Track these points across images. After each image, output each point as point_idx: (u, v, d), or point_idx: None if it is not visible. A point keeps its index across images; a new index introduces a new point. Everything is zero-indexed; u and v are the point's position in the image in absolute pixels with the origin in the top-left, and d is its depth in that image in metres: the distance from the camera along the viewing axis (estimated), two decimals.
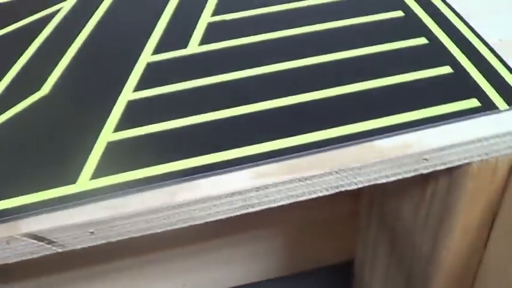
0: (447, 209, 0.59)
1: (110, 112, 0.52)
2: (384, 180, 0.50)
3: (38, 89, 0.55)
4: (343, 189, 0.49)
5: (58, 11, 0.65)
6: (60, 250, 0.45)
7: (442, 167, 0.51)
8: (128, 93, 0.54)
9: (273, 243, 0.94)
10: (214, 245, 0.91)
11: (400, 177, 0.50)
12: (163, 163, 0.47)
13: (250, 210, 0.47)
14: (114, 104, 0.53)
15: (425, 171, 0.51)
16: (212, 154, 0.48)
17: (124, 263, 0.90)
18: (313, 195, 0.48)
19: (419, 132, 0.50)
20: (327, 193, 0.49)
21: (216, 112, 0.52)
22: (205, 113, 0.51)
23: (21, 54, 0.60)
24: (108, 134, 0.50)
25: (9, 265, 0.46)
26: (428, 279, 0.66)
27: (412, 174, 0.51)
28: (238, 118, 0.51)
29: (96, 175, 0.46)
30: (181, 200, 0.45)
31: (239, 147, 0.48)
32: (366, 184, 0.49)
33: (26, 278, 0.88)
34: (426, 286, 0.67)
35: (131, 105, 0.53)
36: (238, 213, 0.47)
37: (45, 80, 0.56)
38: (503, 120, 0.51)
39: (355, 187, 0.49)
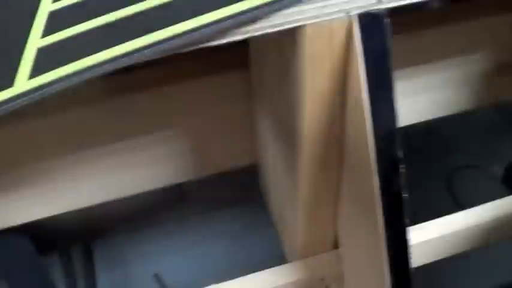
0: (295, 76, 0.65)
1: (33, 23, 0.58)
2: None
3: None
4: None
5: None
6: None
7: (272, 30, 0.58)
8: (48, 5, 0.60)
9: (172, 146, 0.99)
10: (113, 150, 0.95)
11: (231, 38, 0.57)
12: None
13: None
14: (36, 16, 0.59)
15: (257, 34, 0.58)
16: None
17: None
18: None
19: None
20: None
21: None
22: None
23: None
24: (36, 41, 0.56)
25: None
26: (297, 150, 0.72)
27: (244, 36, 0.57)
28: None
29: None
30: None
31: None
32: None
33: None
34: (297, 156, 0.73)
35: (53, 14, 0.59)
36: None
37: None
38: None
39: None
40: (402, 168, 0.63)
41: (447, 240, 0.89)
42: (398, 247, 0.65)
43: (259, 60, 0.83)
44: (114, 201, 1.05)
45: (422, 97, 1.06)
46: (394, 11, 0.62)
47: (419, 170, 1.67)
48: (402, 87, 1.02)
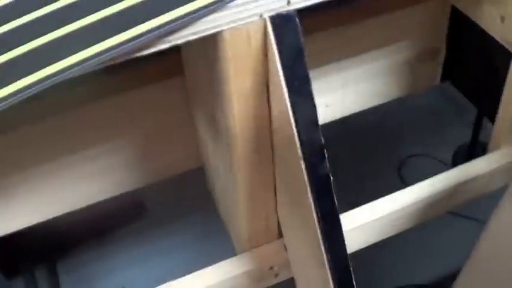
0: (221, 78, 0.70)
1: None
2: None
3: None
4: None
5: None
6: None
7: (193, 37, 0.64)
8: None
9: (121, 156, 1.03)
10: (63, 164, 0.98)
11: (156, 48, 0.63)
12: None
13: None
14: None
15: (180, 42, 0.64)
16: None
17: None
18: None
19: None
20: None
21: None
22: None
23: None
24: None
25: None
26: (231, 148, 0.77)
27: (168, 44, 0.63)
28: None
29: None
30: None
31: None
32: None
33: None
34: (232, 154, 0.78)
35: None
36: None
37: None
38: None
39: None
40: (326, 153, 0.69)
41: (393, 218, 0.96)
42: (330, 226, 0.71)
43: (191, 66, 0.89)
44: (77, 219, 1.08)
45: (351, 89, 1.13)
46: (318, 9, 0.68)
47: (370, 162, 1.74)
48: (332, 81, 1.09)
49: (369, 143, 1.81)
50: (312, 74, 1.03)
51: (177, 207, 1.70)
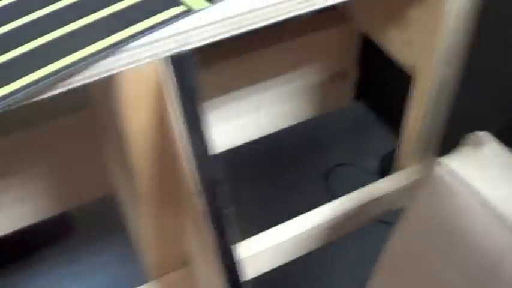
0: (120, 116, 0.72)
1: None
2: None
3: None
4: None
5: None
6: None
7: (90, 80, 0.66)
8: None
9: (37, 184, 1.04)
10: None
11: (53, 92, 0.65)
12: None
13: None
14: None
15: (76, 85, 0.65)
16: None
17: None
18: None
19: None
20: None
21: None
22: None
23: None
24: None
25: None
26: (134, 183, 0.80)
27: (66, 87, 0.65)
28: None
29: None
30: None
31: None
32: None
33: None
34: (136, 188, 0.81)
35: None
36: None
37: None
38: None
39: None
40: (222, 188, 0.72)
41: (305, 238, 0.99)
42: (227, 257, 0.74)
43: (95, 101, 0.91)
44: (2, 239, 1.09)
45: (265, 111, 1.16)
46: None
47: (298, 172, 1.77)
48: (245, 105, 1.12)
49: (296, 154, 1.84)
50: (224, 98, 1.07)
51: (104, 224, 1.70)
